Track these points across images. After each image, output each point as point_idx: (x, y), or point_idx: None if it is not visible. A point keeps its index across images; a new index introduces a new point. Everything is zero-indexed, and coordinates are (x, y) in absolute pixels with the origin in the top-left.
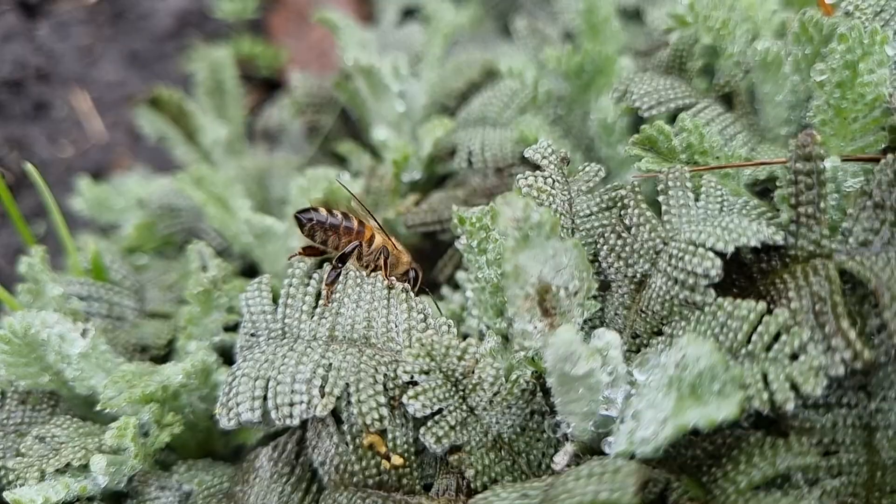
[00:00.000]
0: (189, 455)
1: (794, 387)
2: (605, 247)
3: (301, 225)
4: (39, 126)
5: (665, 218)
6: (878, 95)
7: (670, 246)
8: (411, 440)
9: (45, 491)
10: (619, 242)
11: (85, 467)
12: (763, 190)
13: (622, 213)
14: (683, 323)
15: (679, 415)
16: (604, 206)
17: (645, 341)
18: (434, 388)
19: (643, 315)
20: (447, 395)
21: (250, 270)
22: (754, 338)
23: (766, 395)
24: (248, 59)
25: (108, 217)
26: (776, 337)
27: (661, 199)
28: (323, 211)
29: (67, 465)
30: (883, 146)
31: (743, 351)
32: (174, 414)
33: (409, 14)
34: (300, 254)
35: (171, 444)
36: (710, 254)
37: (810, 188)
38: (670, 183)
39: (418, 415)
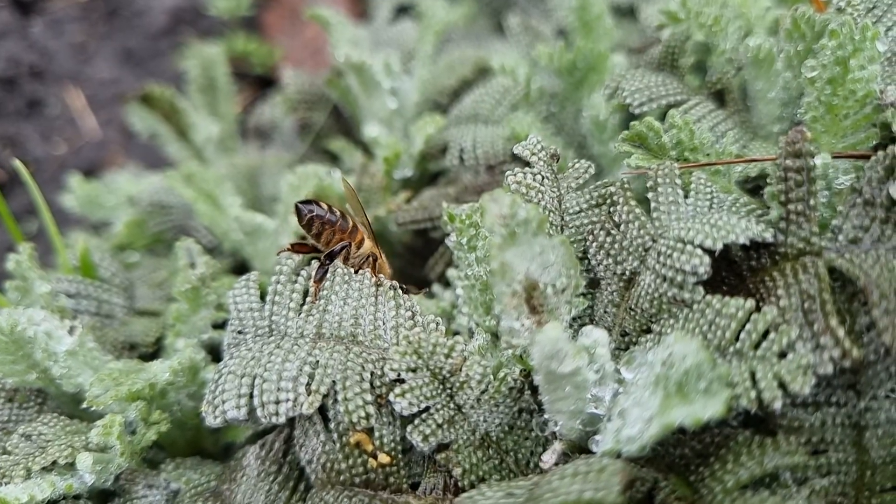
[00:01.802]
0: (178, 453)
1: (783, 385)
2: (594, 244)
3: (300, 215)
4: (33, 124)
5: (654, 215)
6: (868, 92)
7: (659, 243)
8: (398, 438)
9: (31, 489)
10: (609, 239)
11: (71, 465)
12: (755, 187)
13: (611, 209)
14: (672, 321)
15: (665, 413)
16: (593, 202)
17: (634, 339)
18: (421, 386)
19: (632, 313)
20: (434, 393)
21: (241, 268)
22: (742, 336)
23: (753, 394)
24: (241, 57)
25: (100, 214)
26: (764, 335)
27: (650, 195)
28: (323, 205)
29: (54, 463)
30: (874, 143)
31: (731, 349)
32: (161, 412)
33: (402, 11)
34: (289, 250)
35: (160, 442)
36: (699, 251)
37: (800, 185)
38: (660, 180)
39: (405, 413)
